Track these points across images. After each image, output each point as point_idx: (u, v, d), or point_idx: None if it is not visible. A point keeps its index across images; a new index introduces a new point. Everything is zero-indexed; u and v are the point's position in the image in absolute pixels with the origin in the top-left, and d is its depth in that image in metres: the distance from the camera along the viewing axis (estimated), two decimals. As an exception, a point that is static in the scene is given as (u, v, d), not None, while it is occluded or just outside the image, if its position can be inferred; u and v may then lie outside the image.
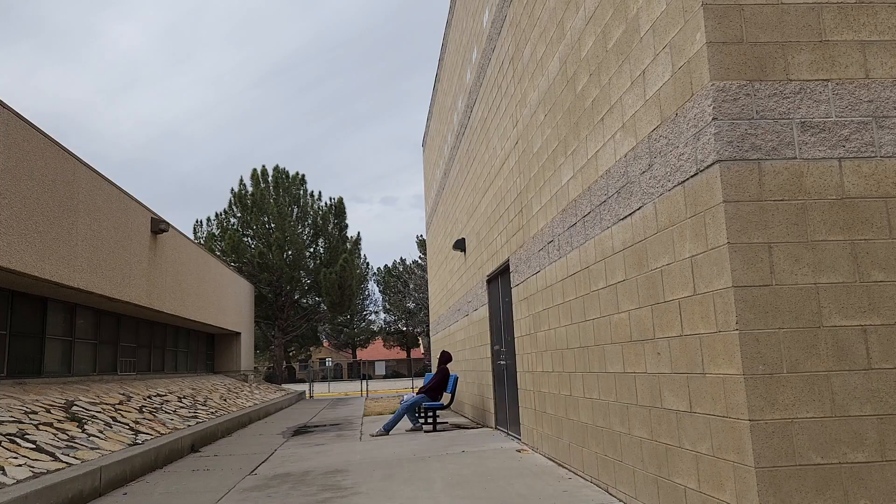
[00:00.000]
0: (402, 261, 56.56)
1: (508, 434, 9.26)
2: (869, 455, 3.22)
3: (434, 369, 15.10)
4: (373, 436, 10.28)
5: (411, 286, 54.09)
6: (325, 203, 33.49)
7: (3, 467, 5.47)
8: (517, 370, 8.25)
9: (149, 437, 8.43)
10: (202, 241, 31.05)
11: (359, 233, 38.40)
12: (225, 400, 15.23)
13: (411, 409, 11.00)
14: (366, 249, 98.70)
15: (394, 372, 64.84)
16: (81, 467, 6.07)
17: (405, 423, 11.90)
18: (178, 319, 15.58)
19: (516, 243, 8.04)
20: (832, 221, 3.42)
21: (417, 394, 11.31)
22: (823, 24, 3.61)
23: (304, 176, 33.20)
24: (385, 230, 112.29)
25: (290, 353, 54.40)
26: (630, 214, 4.58)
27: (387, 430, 10.48)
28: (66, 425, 7.57)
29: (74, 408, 8.57)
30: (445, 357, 11.96)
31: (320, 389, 36.71)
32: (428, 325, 45.10)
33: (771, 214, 3.42)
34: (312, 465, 7.63)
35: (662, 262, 4.12)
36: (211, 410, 12.71)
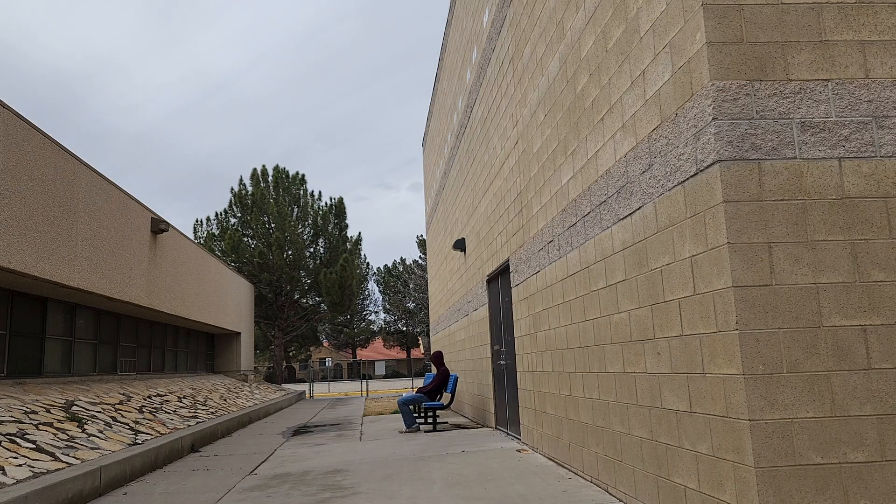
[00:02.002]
0: (402, 261, 56.57)
1: (508, 434, 9.26)
2: (869, 455, 3.22)
3: (434, 369, 15.12)
4: (402, 432, 10.68)
5: (411, 286, 54.09)
6: (326, 203, 33.51)
7: (3, 467, 5.47)
8: (517, 370, 8.25)
9: (149, 437, 8.43)
10: (202, 241, 31.05)
11: (359, 233, 38.31)
12: (225, 400, 15.24)
13: (408, 410, 11.01)
14: (379, 245, 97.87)
15: (394, 372, 64.85)
16: (81, 467, 6.07)
17: (400, 425, 11.90)
18: (178, 319, 15.58)
19: (516, 243, 8.04)
20: (832, 221, 3.42)
21: (416, 393, 11.33)
22: (823, 24, 3.61)
23: (304, 176, 33.21)
24: (412, 220, 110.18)
25: (290, 353, 54.39)
26: (630, 214, 4.58)
27: (410, 426, 10.78)
28: (66, 425, 7.57)
29: (74, 408, 8.57)
30: (439, 357, 12.01)
31: (320, 389, 36.72)
32: (428, 325, 45.11)
33: (771, 214, 3.42)
34: (312, 464, 7.63)
35: (662, 262, 4.12)
36: (211, 410, 12.72)
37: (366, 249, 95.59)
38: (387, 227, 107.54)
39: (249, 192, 31.87)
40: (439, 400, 11.43)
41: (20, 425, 6.86)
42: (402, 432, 10.69)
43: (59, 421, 7.65)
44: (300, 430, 12.11)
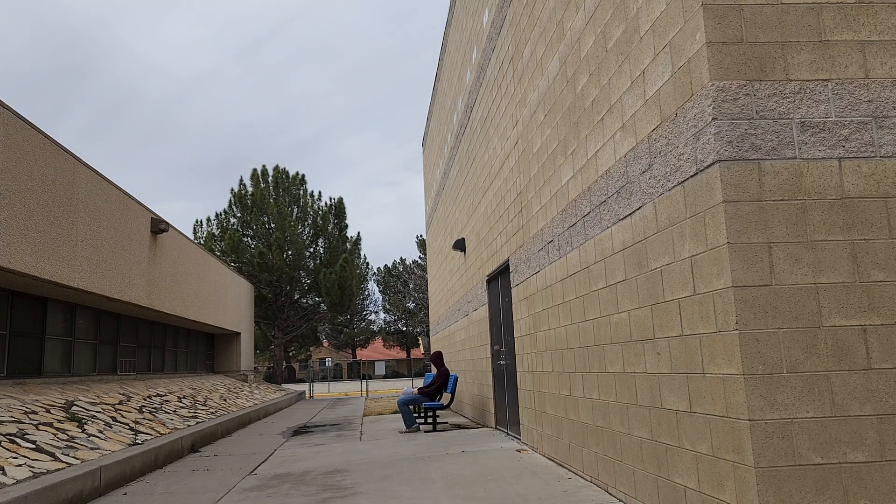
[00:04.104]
0: (402, 261, 56.58)
1: (508, 434, 9.26)
2: (869, 455, 3.22)
3: (434, 369, 15.11)
4: (402, 432, 10.67)
5: (411, 286, 54.09)
6: (325, 203, 33.53)
7: (3, 467, 5.47)
8: (517, 370, 8.25)
9: (149, 437, 8.43)
10: (202, 241, 31.04)
11: (359, 233, 38.42)
12: (225, 400, 15.23)
13: (408, 410, 11.00)
14: (407, 236, 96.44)
15: (394, 372, 64.85)
16: (81, 467, 6.07)
17: (400, 425, 11.89)
18: (177, 319, 15.57)
19: (516, 243, 8.04)
20: (832, 221, 3.42)
21: (416, 394, 11.33)
22: (823, 24, 3.61)
23: (304, 176, 33.23)
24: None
25: (290, 353, 54.36)
26: (630, 214, 4.58)
27: (410, 426, 10.77)
28: (66, 425, 7.57)
29: (74, 408, 8.57)
30: (440, 357, 11.98)
31: (320, 389, 36.72)
32: (428, 325, 45.11)
33: (771, 214, 3.42)
34: (312, 465, 7.63)
35: (662, 262, 4.12)
36: (211, 410, 12.71)
37: (394, 240, 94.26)
38: (418, 216, 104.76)
39: (249, 193, 31.88)
40: (439, 400, 11.43)
41: (20, 425, 6.86)
42: (402, 432, 10.69)
43: (59, 421, 7.65)
44: (300, 430, 12.11)
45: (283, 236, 30.28)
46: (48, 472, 5.76)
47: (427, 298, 40.07)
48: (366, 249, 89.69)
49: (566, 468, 6.30)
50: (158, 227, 13.05)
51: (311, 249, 32.91)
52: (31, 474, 5.56)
